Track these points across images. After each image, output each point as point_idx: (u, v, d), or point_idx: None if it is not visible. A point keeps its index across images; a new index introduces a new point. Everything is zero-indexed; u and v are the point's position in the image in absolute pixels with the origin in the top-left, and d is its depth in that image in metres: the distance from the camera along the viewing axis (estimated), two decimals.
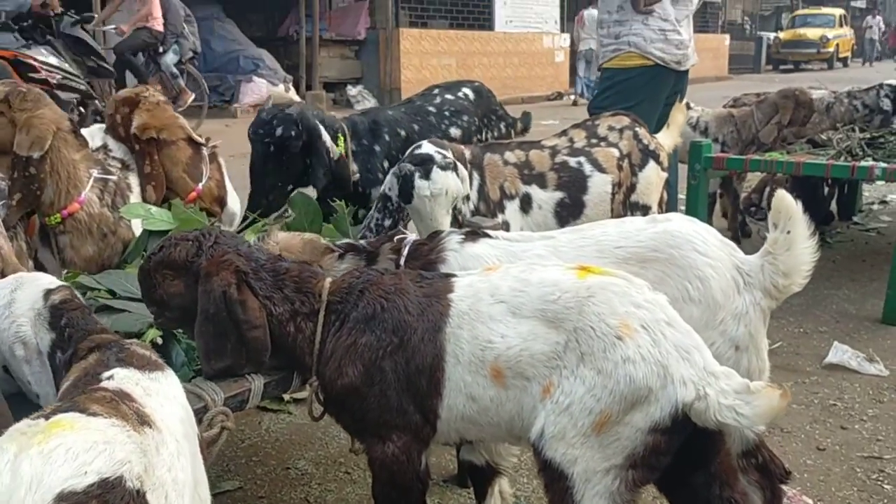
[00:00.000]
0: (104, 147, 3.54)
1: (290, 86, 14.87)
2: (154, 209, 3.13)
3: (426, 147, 2.81)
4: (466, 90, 3.98)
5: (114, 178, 3.24)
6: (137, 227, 3.13)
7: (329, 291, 2.05)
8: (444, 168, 2.72)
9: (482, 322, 1.89)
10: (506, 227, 2.97)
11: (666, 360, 1.76)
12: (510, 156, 3.15)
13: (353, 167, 3.55)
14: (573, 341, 1.81)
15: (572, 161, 3.19)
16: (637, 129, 3.29)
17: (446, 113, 3.80)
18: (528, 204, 3.12)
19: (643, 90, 4.32)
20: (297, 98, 13.78)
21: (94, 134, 3.71)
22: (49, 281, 1.90)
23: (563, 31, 20.23)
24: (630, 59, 4.39)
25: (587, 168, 3.19)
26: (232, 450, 3.16)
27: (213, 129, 8.94)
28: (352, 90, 16.65)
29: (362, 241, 2.48)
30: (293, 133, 3.22)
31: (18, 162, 2.83)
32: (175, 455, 1.41)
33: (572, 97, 17.66)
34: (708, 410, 1.72)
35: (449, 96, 3.91)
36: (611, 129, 3.30)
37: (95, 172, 3.10)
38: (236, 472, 3.00)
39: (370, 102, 16.15)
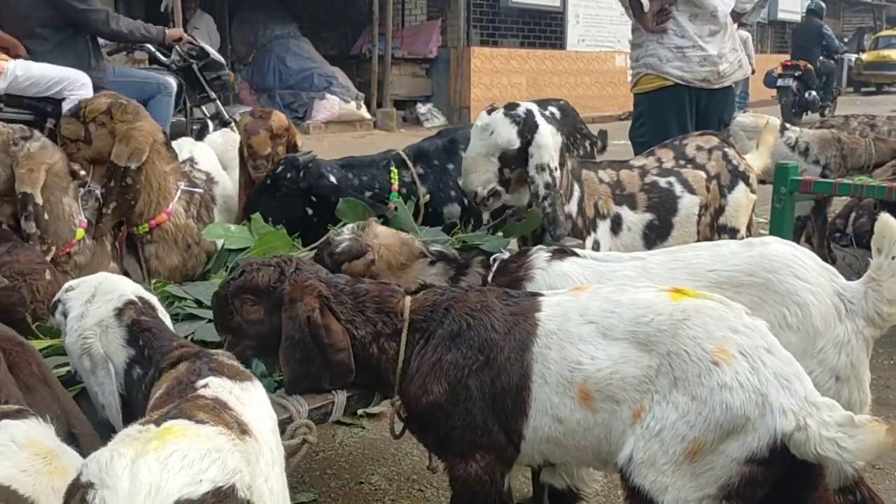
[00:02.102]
0: (191, 160, 3.64)
1: (362, 103, 15.10)
2: (233, 228, 3.20)
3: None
4: (553, 108, 3.95)
5: (199, 190, 3.32)
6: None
7: (411, 310, 2.04)
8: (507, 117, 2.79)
9: (571, 342, 1.86)
10: (596, 246, 2.93)
11: (765, 388, 1.70)
12: (603, 174, 3.11)
13: (422, 189, 3.58)
14: (666, 365, 1.76)
15: (662, 181, 3.13)
16: (726, 149, 3.21)
17: None
18: (619, 225, 3.06)
19: (669, 112, 4.20)
20: (366, 115, 13.90)
21: (183, 146, 3.82)
22: (130, 290, 1.91)
23: None
24: (650, 82, 4.32)
25: (678, 189, 3.11)
26: (307, 461, 3.17)
27: None
28: (421, 108, 16.78)
29: (455, 252, 2.48)
30: (289, 175, 3.28)
31: (116, 172, 2.92)
32: (270, 465, 1.41)
33: None
34: (808, 442, 1.65)
35: None
36: (699, 149, 3.22)
37: (182, 185, 3.18)
38: (311, 484, 3.01)
39: (439, 120, 16.26)
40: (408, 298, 2.09)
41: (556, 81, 17.46)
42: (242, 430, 1.36)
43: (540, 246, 2.54)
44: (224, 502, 1.12)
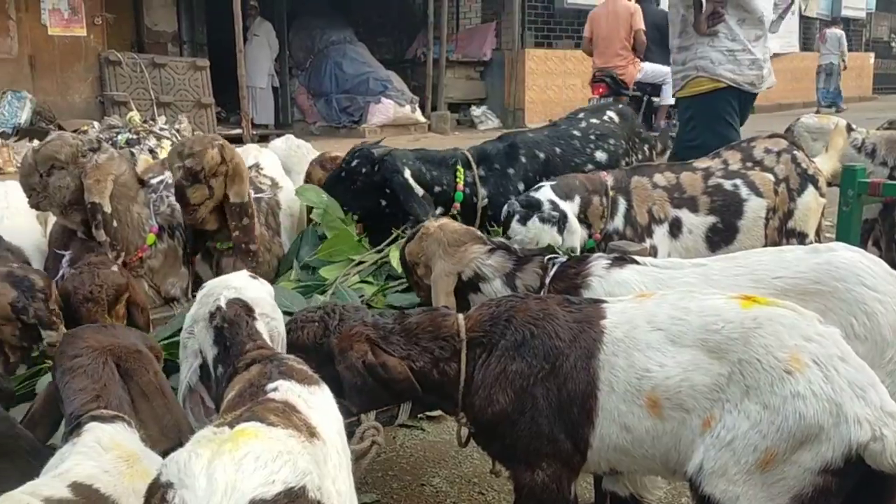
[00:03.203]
0: (256, 165, 3.72)
1: (416, 107, 15.19)
2: (325, 196, 3.29)
3: (544, 192, 2.83)
4: (611, 113, 3.93)
5: (265, 195, 3.39)
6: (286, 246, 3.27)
7: (467, 328, 2.03)
8: (543, 221, 2.72)
9: (639, 350, 1.84)
10: (653, 251, 2.90)
11: (839, 398, 1.66)
12: (659, 178, 3.07)
13: (482, 192, 3.58)
14: (737, 374, 1.74)
15: (727, 184, 3.08)
16: (795, 152, 3.15)
17: (591, 136, 3.76)
18: (678, 228, 3.03)
19: (722, 114, 4.13)
20: (421, 118, 14.03)
21: (249, 152, 3.91)
22: (233, 293, 1.97)
23: None
24: (700, 85, 4.25)
25: (744, 191, 3.06)
26: (369, 463, 3.20)
27: (343, 147, 9.17)
28: (476, 111, 16.80)
29: (516, 247, 2.50)
30: (364, 170, 3.31)
31: (239, 209, 2.98)
32: (337, 467, 1.44)
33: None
34: (884, 453, 1.62)
35: (594, 120, 3.87)
36: (767, 151, 3.16)
37: (252, 192, 3.24)
38: (373, 485, 3.05)
39: (493, 123, 16.25)
40: (460, 317, 2.08)
41: None
42: (311, 432, 1.39)
43: (600, 253, 2.52)
44: (296, 502, 1.15)
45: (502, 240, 2.58)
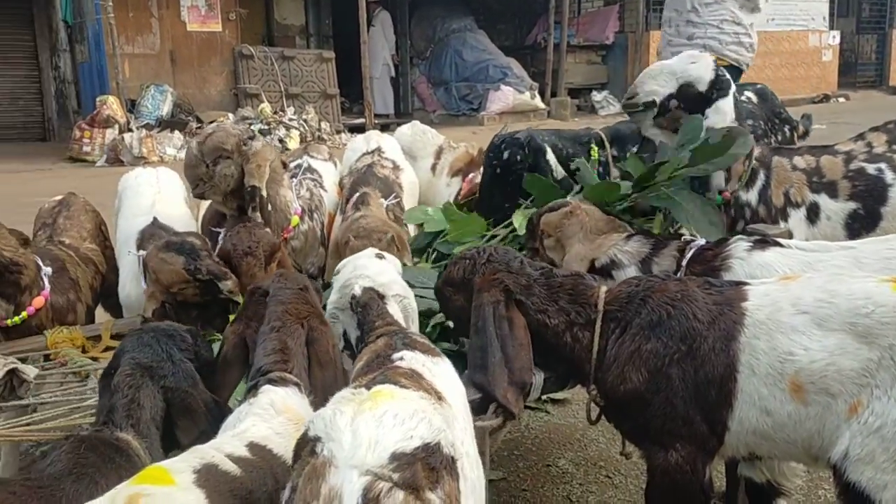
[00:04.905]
0: (378, 149, 3.85)
1: (536, 93, 15.10)
2: (430, 210, 3.34)
3: None
4: (749, 93, 3.80)
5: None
6: None
7: (606, 300, 2.05)
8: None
9: (782, 333, 1.80)
10: (788, 236, 2.79)
11: None
12: (799, 161, 2.95)
13: (615, 172, 3.54)
14: (888, 359, 1.68)
15: (871, 168, 2.92)
16: None
17: None
18: (816, 214, 2.90)
19: None
20: (540, 105, 13.91)
21: (371, 138, 4.06)
22: (368, 280, 2.08)
23: (832, 28, 18.61)
24: None
25: (889, 176, 2.90)
26: (492, 442, 3.27)
27: (461, 135, 9.30)
28: (597, 96, 16.54)
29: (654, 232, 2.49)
30: (518, 157, 3.29)
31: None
32: (464, 431, 1.49)
33: (840, 99, 16.21)
34: None
35: None
36: None
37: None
38: (499, 464, 3.10)
39: (615, 108, 15.92)
40: (603, 289, 2.10)
41: None
42: (438, 396, 1.46)
43: (740, 236, 2.46)
44: (432, 457, 1.21)
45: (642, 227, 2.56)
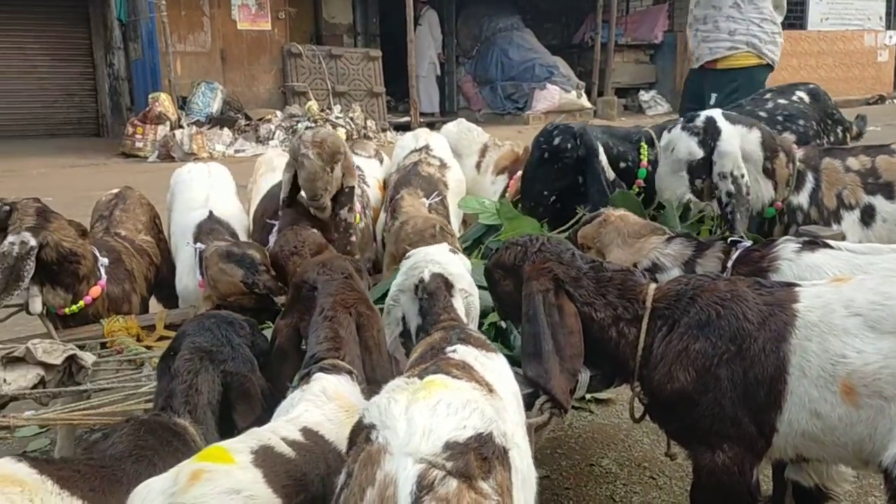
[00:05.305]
0: (426, 147, 3.88)
1: (582, 92, 15.02)
2: (487, 202, 3.36)
3: (710, 111, 2.86)
4: (801, 93, 3.73)
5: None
6: None
7: (654, 298, 2.04)
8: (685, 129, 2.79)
9: (834, 335, 1.78)
10: (841, 239, 2.74)
11: None
12: (853, 162, 2.90)
13: None
14: None
15: None
16: None
17: (779, 118, 3.58)
18: (871, 216, 2.84)
19: (759, 88, 4.27)
20: (587, 104, 13.79)
21: (419, 136, 4.09)
22: (437, 266, 2.07)
23: (888, 27, 18.15)
24: (747, 59, 4.57)
25: None
26: (537, 439, 3.28)
27: (506, 134, 9.31)
28: (644, 95, 16.39)
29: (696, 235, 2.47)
30: (569, 145, 3.27)
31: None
32: (515, 423, 1.51)
33: None
34: None
35: (782, 100, 3.69)
36: None
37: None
38: (542, 462, 3.11)
39: (663, 108, 15.78)
40: (652, 286, 2.09)
41: (794, 63, 16.26)
42: (489, 388, 1.48)
43: (788, 237, 2.43)
44: (484, 447, 1.23)
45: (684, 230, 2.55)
